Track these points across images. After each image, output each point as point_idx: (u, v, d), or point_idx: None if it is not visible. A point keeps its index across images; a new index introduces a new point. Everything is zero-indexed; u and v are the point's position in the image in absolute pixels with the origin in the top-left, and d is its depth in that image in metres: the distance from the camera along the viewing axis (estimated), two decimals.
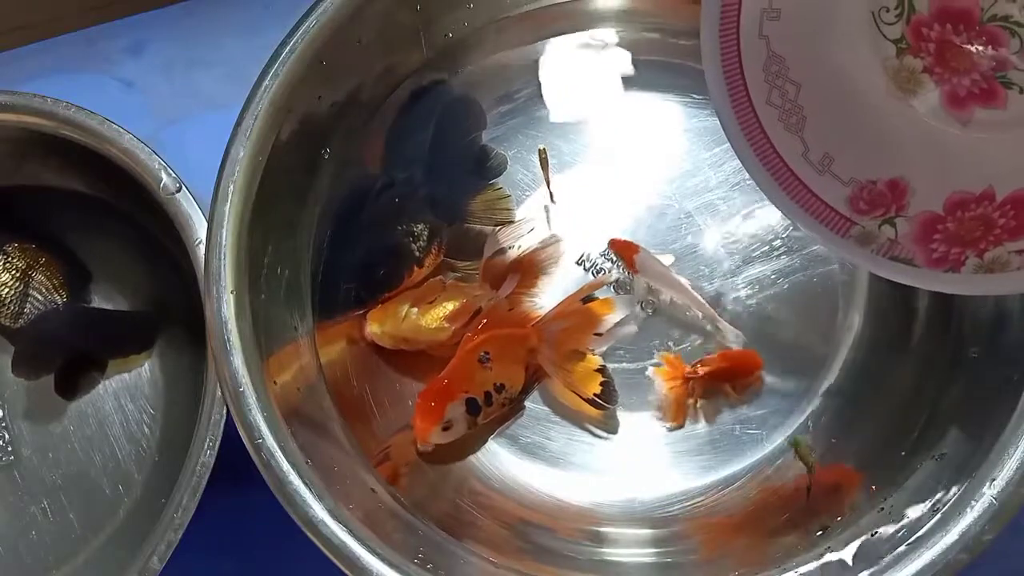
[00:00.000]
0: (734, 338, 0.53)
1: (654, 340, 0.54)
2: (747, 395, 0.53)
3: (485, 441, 0.54)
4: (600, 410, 0.53)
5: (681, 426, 0.53)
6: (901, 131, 0.45)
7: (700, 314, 0.54)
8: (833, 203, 0.45)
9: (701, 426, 0.53)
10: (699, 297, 0.54)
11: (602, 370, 0.53)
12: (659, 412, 0.53)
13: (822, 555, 0.46)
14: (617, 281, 0.56)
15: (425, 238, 0.55)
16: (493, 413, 0.52)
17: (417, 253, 0.55)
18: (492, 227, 0.56)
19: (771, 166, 0.45)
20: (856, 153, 0.45)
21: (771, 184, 0.45)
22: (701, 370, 0.52)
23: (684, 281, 0.54)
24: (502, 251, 0.55)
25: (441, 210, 0.56)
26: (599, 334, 0.53)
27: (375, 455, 0.52)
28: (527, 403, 0.54)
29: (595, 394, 0.52)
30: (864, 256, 0.45)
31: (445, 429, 0.51)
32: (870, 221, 0.45)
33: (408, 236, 0.55)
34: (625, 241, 0.55)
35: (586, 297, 0.54)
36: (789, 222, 0.56)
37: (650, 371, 0.53)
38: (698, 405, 0.53)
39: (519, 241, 0.55)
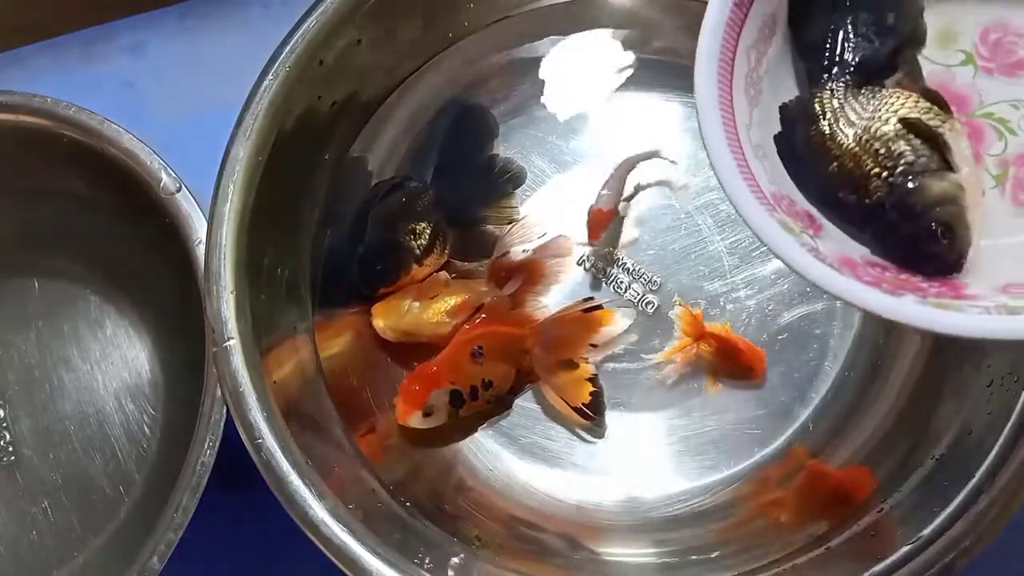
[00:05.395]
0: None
1: (654, 340, 0.54)
2: (721, 385, 0.53)
3: (473, 435, 0.54)
4: (586, 420, 0.53)
5: (672, 374, 0.54)
6: None
7: None
8: (761, 184, 0.39)
9: (702, 426, 0.53)
10: None
11: (593, 380, 0.53)
12: (660, 355, 0.54)
13: (822, 556, 0.46)
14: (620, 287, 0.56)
15: (427, 236, 0.55)
16: (476, 408, 0.52)
17: (417, 251, 0.55)
18: (499, 228, 0.57)
19: (725, 114, 0.40)
20: (779, 166, 0.41)
21: (719, 130, 0.39)
22: (717, 331, 0.53)
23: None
24: (510, 251, 0.55)
25: (447, 211, 0.56)
26: (595, 345, 0.53)
27: (360, 428, 0.53)
28: (528, 404, 0.54)
29: (583, 404, 0.52)
30: (788, 245, 0.37)
31: (426, 415, 0.51)
32: (792, 223, 0.38)
33: (409, 234, 0.55)
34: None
35: (588, 307, 0.53)
36: None
37: (675, 311, 0.54)
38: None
39: (528, 244, 0.56)
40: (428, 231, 0.55)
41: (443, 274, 0.56)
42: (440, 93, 0.60)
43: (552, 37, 0.61)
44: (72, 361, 0.61)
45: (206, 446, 0.48)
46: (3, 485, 0.59)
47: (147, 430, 0.59)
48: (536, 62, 0.60)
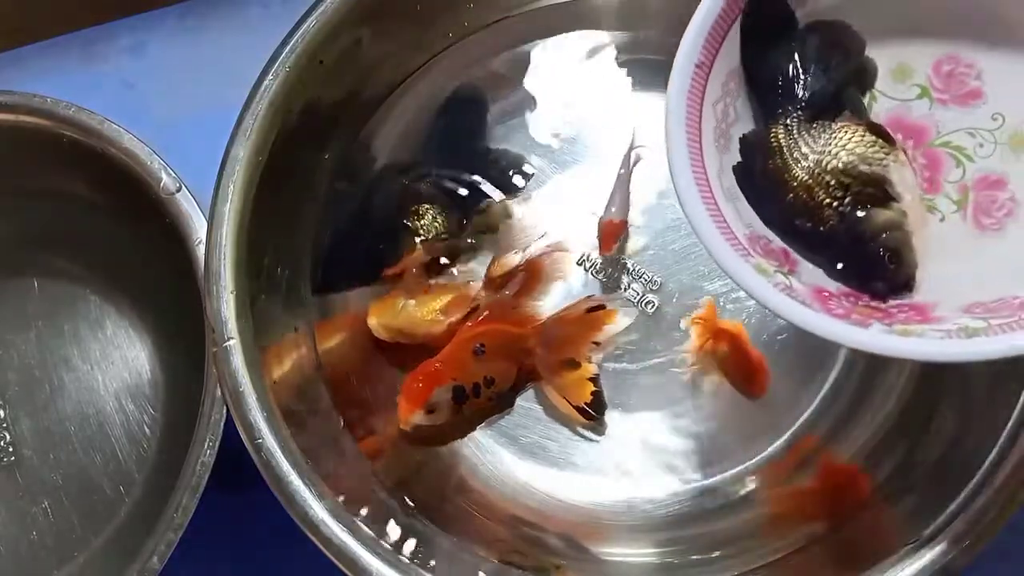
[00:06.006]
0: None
1: (654, 340, 0.54)
2: (722, 380, 0.53)
3: (474, 435, 0.54)
4: (587, 419, 0.53)
5: (696, 374, 0.54)
6: None
7: None
8: (734, 229, 0.40)
9: (701, 426, 0.53)
10: None
11: (595, 380, 0.53)
12: (681, 361, 0.54)
13: (822, 555, 0.46)
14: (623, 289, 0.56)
15: (430, 218, 0.56)
16: (479, 405, 0.52)
17: (419, 232, 0.56)
18: (499, 227, 0.57)
19: (695, 158, 0.41)
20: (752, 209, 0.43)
21: (689, 177, 0.41)
22: (729, 328, 0.53)
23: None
24: (510, 252, 0.55)
25: (448, 201, 0.57)
26: (597, 343, 0.53)
27: (360, 428, 0.53)
28: (529, 404, 0.54)
29: (585, 403, 0.52)
30: (761, 286, 0.39)
31: (429, 412, 0.51)
32: (765, 263, 0.40)
33: (412, 216, 0.56)
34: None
35: (590, 307, 0.54)
36: None
37: (683, 323, 0.54)
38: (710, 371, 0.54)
39: (528, 246, 0.56)
40: (431, 213, 0.56)
41: (434, 271, 0.56)
42: (440, 93, 0.60)
43: (552, 37, 0.61)
44: (72, 361, 0.61)
45: (206, 446, 0.48)
46: (3, 485, 0.59)
47: (147, 430, 0.59)
48: (536, 62, 0.60)
